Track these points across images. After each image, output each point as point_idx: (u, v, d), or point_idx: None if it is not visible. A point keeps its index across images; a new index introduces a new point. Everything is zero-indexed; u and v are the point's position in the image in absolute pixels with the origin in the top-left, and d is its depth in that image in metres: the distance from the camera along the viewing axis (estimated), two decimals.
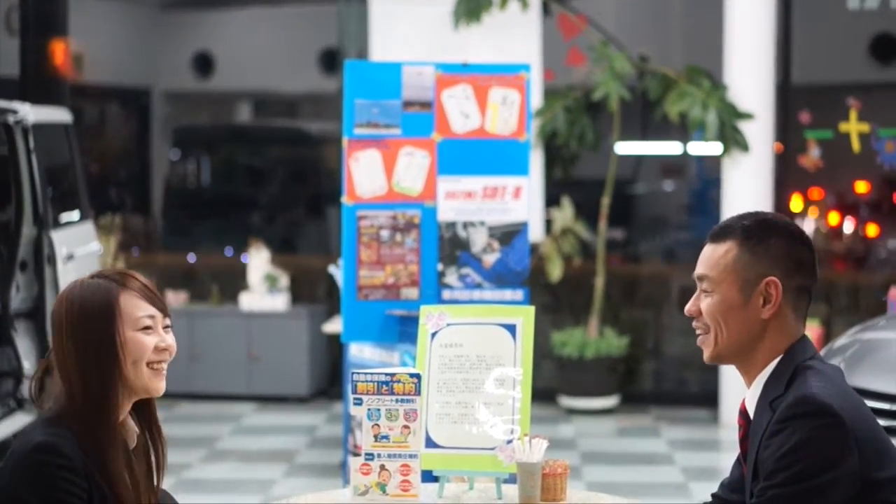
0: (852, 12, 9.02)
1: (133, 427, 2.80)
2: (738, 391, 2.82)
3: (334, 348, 8.73)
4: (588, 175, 9.35)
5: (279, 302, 9.15)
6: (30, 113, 6.87)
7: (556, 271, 8.81)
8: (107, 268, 3.42)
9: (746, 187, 8.25)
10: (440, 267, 5.94)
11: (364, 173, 5.93)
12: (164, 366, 2.78)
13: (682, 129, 8.98)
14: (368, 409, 3.03)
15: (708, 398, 8.70)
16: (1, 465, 2.66)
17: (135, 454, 2.77)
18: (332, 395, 9.04)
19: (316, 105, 10.66)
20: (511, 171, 5.96)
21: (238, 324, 9.15)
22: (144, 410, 2.83)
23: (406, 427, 3.02)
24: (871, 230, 9.75)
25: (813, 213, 9.62)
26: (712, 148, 8.48)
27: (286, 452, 7.67)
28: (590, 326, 8.85)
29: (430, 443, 3.14)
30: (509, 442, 3.10)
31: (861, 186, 9.74)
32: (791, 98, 8.91)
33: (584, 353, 8.66)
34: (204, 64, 10.58)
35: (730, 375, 8.05)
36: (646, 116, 9.32)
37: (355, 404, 3.05)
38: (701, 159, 9.70)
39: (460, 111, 5.96)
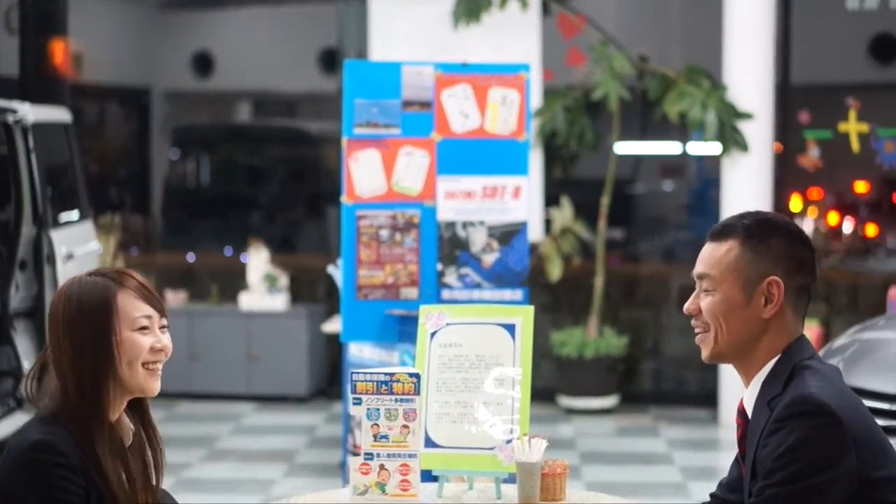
0: (852, 12, 9.02)
1: (128, 425, 2.80)
2: (738, 391, 2.82)
3: (334, 348, 8.73)
4: (587, 175, 9.35)
5: (279, 302, 9.16)
6: (29, 112, 6.87)
7: (555, 271, 8.81)
8: (104, 266, 3.42)
9: (746, 187, 8.25)
10: (439, 267, 5.94)
11: (363, 173, 5.93)
12: (160, 366, 2.78)
13: (682, 129, 8.98)
14: (368, 409, 3.03)
15: (707, 398, 8.70)
16: None
17: (131, 452, 2.77)
18: (332, 394, 9.04)
19: (315, 105, 10.66)
20: (510, 171, 5.96)
21: (237, 323, 9.15)
22: (137, 409, 2.83)
23: (405, 427, 3.02)
24: (871, 230, 9.75)
25: (812, 213, 9.63)
26: (712, 148, 8.49)
27: (286, 452, 7.67)
28: (589, 326, 8.85)
29: (429, 442, 3.14)
30: (509, 442, 3.10)
31: (860, 186, 9.74)
32: (790, 98, 8.91)
33: (583, 353, 8.66)
34: (203, 63, 10.58)
35: (729, 375, 8.05)
36: (645, 116, 9.32)
37: (355, 404, 3.05)
38: (700, 159, 9.70)
39: (460, 111, 5.96)
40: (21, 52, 9.28)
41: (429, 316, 3.27)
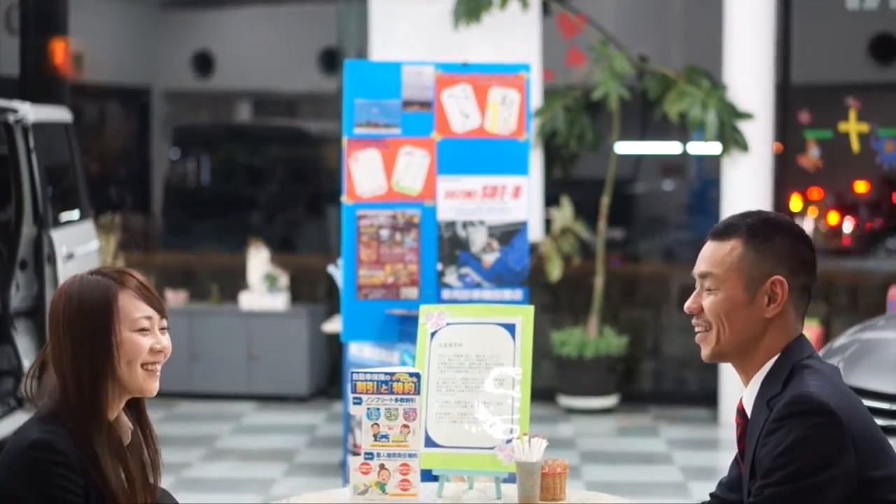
0: (852, 12, 9.02)
1: (127, 424, 2.80)
2: (738, 390, 2.82)
3: (334, 348, 8.73)
4: (587, 175, 9.36)
5: (279, 301, 9.16)
6: (30, 112, 6.87)
7: (555, 271, 8.81)
8: (106, 265, 3.43)
9: (746, 187, 8.25)
10: (440, 266, 5.94)
11: (364, 173, 5.93)
12: (159, 367, 2.79)
13: (682, 129, 8.98)
14: (368, 409, 3.03)
15: (707, 397, 8.70)
16: None
17: (129, 451, 2.77)
18: (332, 394, 9.05)
19: (316, 104, 10.66)
20: (510, 171, 5.97)
21: (238, 323, 9.15)
22: (135, 409, 2.84)
23: (405, 426, 3.02)
24: (870, 230, 9.76)
25: (812, 212, 9.63)
26: (712, 148, 8.49)
27: (286, 452, 7.67)
28: (589, 326, 8.85)
29: (429, 442, 3.14)
30: (509, 441, 3.10)
31: (860, 186, 9.74)
32: (790, 98, 8.91)
33: (583, 353, 8.67)
34: (204, 63, 10.59)
35: (729, 375, 8.06)
36: (645, 116, 9.32)
37: (355, 403, 3.05)
38: (700, 159, 9.70)
39: (460, 111, 5.96)
40: (21, 52, 9.28)
41: (429, 316, 3.27)
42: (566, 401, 8.83)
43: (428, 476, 3.10)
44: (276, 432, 8.20)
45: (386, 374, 3.05)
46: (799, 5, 8.90)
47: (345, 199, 5.95)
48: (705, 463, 7.50)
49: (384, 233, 5.92)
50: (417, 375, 3.05)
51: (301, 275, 9.59)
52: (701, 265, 2.77)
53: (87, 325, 2.70)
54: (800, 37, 8.93)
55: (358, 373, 3.06)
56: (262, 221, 10.45)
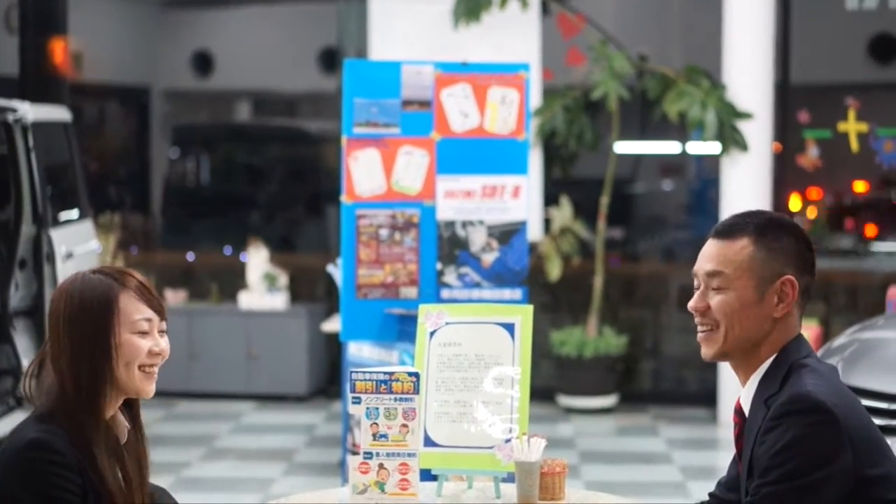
0: (851, 12, 9.02)
1: (124, 423, 2.80)
2: (737, 390, 2.82)
3: (333, 347, 8.73)
4: (587, 174, 9.36)
5: (278, 301, 9.16)
6: (29, 111, 6.88)
7: (554, 270, 8.81)
8: (107, 265, 3.43)
9: (745, 187, 8.25)
10: (439, 266, 5.94)
11: (363, 172, 5.93)
12: (156, 369, 2.79)
13: (681, 129, 8.98)
14: (367, 408, 3.03)
15: (706, 397, 8.70)
16: None
17: (126, 450, 2.77)
18: (331, 393, 9.05)
19: (315, 104, 10.66)
20: (510, 171, 5.97)
21: (237, 322, 9.15)
22: (131, 409, 2.84)
23: (405, 426, 3.02)
24: (870, 230, 9.75)
25: (811, 212, 9.63)
26: (711, 147, 8.49)
27: (285, 451, 7.67)
28: (588, 325, 8.85)
29: (428, 441, 3.14)
30: (508, 441, 3.10)
31: (859, 186, 9.74)
32: (790, 98, 8.91)
33: (582, 353, 8.67)
34: (203, 63, 10.59)
35: (728, 374, 8.06)
36: (645, 116, 9.32)
37: (354, 403, 3.05)
38: (700, 159, 9.70)
39: (459, 110, 5.96)
40: (21, 51, 9.28)
41: (428, 315, 3.27)
42: (565, 400, 8.83)
43: (427, 475, 3.10)
44: (275, 432, 8.20)
45: (385, 373, 3.05)
46: (798, 5, 8.90)
47: (344, 198, 5.95)
48: (704, 462, 7.50)
49: (383, 232, 5.92)
50: (416, 375, 3.05)
51: (300, 274, 9.60)
52: (707, 264, 2.75)
53: (87, 325, 2.70)
54: (799, 37, 8.93)
55: (357, 372, 3.06)
56: (261, 221, 10.45)
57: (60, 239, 7.02)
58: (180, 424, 8.35)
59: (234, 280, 9.52)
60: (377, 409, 3.03)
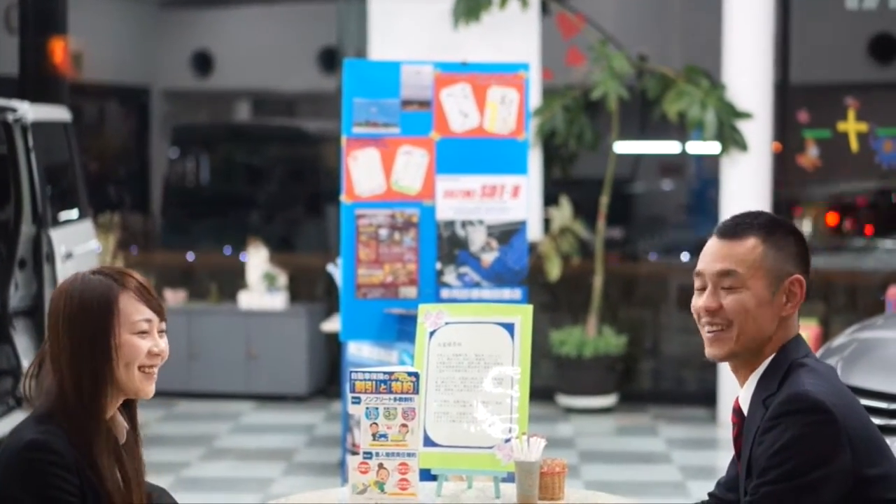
0: (851, 12, 9.02)
1: (122, 423, 2.80)
2: (737, 390, 2.82)
3: (333, 347, 8.73)
4: (587, 174, 9.36)
5: (278, 301, 9.16)
6: (29, 111, 6.87)
7: (554, 270, 8.81)
8: (106, 265, 3.42)
9: (745, 187, 8.25)
10: (439, 266, 5.94)
11: (363, 172, 5.94)
12: (156, 370, 2.79)
13: (681, 129, 8.98)
14: (367, 408, 3.03)
15: (706, 397, 8.70)
16: None
17: (125, 450, 2.77)
18: (331, 393, 9.05)
19: (315, 104, 10.66)
20: (509, 170, 5.97)
21: (237, 322, 9.15)
22: (129, 410, 2.84)
23: (404, 426, 3.02)
24: (869, 230, 9.75)
25: (811, 212, 9.62)
26: (711, 147, 8.49)
27: (285, 451, 7.67)
28: (588, 325, 8.85)
29: (428, 441, 3.14)
30: (507, 441, 3.10)
31: (859, 186, 9.73)
32: (789, 97, 8.92)
33: (582, 352, 8.67)
34: (203, 62, 10.59)
35: (729, 374, 8.03)
36: (644, 116, 9.32)
37: (354, 403, 3.05)
38: (699, 158, 9.70)
39: (459, 110, 5.96)
40: (21, 51, 9.28)
41: (428, 315, 3.27)
42: (565, 400, 8.83)
43: (427, 475, 3.10)
44: (274, 432, 8.20)
45: (385, 373, 3.05)
46: (798, 5, 8.91)
47: (344, 198, 5.95)
48: (704, 462, 7.50)
49: (383, 232, 5.92)
50: (416, 375, 3.05)
51: (300, 274, 9.60)
52: (717, 263, 2.73)
53: (87, 326, 2.70)
54: (799, 36, 8.93)
55: (357, 372, 3.07)
56: (261, 221, 10.45)
57: (60, 239, 7.02)
58: (180, 424, 8.35)
59: (233, 280, 9.52)
60: (377, 408, 3.03)
